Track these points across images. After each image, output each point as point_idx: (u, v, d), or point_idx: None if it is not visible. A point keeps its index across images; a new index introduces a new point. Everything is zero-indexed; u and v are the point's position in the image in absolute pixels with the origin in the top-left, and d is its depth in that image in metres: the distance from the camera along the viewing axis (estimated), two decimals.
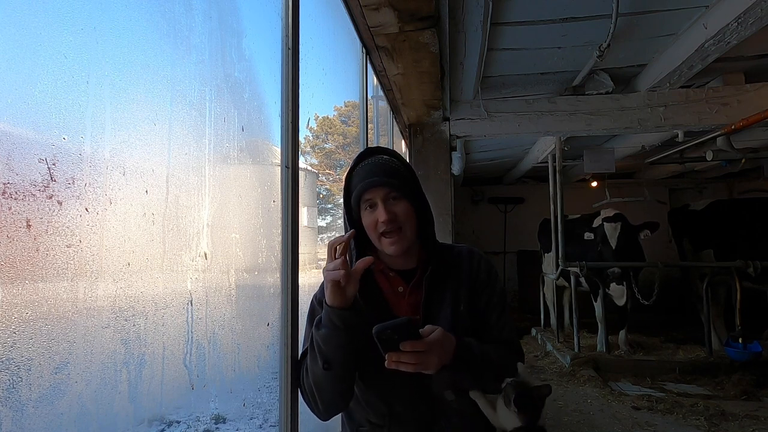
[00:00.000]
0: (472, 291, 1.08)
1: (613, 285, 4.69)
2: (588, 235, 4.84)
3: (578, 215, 5.67)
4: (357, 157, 1.09)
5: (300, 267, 1.34)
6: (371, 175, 1.01)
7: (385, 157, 1.07)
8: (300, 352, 1.11)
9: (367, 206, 1.03)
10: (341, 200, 1.12)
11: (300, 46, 1.39)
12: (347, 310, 0.94)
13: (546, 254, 5.88)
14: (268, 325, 1.21)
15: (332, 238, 0.94)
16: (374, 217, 1.01)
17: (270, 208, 1.26)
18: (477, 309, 1.08)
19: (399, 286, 1.07)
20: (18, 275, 0.54)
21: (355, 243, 1.06)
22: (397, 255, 1.04)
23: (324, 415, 1.05)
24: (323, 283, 1.14)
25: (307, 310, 1.14)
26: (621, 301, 4.73)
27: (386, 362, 0.87)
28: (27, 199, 0.55)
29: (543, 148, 5.33)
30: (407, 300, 1.05)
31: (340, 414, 1.13)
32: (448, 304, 1.05)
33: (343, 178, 1.12)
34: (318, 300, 1.10)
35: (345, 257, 0.93)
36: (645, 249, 4.85)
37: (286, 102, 1.33)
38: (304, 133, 1.63)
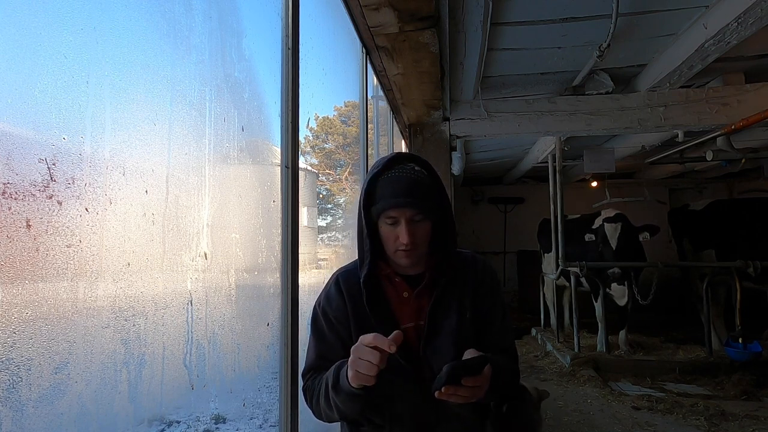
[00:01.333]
0: (477, 298, 1.08)
1: (614, 285, 4.69)
2: (589, 237, 4.82)
3: (578, 215, 5.67)
4: (386, 162, 1.03)
5: (300, 267, 1.34)
6: (399, 194, 0.98)
7: (416, 168, 1.02)
8: (305, 365, 1.10)
9: (389, 221, 1.00)
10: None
11: (300, 46, 1.39)
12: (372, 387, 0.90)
13: (546, 254, 5.88)
14: (268, 325, 1.21)
15: (378, 341, 0.84)
16: (394, 234, 1.00)
17: (270, 208, 1.26)
18: (481, 316, 1.08)
19: (404, 291, 1.06)
20: (18, 275, 0.54)
21: (370, 245, 1.04)
22: (408, 266, 1.04)
23: (330, 424, 1.08)
24: (326, 287, 1.11)
25: (310, 316, 1.13)
26: (622, 301, 4.73)
27: (437, 392, 0.86)
28: (27, 199, 0.55)
29: (543, 148, 5.33)
30: (411, 306, 1.05)
31: None
32: (454, 312, 1.05)
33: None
34: (323, 310, 1.08)
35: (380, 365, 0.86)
36: (644, 249, 4.84)
37: (286, 102, 1.33)
38: (304, 133, 1.63)
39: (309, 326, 1.12)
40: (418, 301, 1.05)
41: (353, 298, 1.05)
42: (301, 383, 1.11)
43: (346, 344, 1.04)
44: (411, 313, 1.05)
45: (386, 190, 1.00)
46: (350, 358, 0.88)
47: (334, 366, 0.97)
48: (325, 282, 1.14)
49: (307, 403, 1.08)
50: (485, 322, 1.09)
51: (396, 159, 1.04)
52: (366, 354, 0.84)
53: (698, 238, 5.02)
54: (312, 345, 1.09)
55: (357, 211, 1.07)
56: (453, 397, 0.86)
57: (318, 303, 1.11)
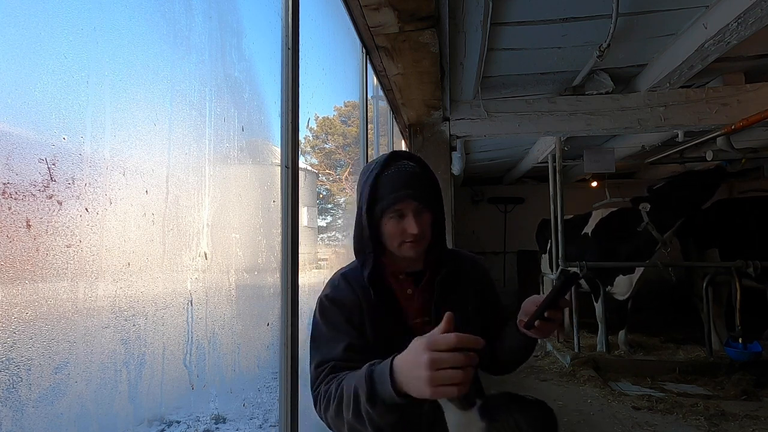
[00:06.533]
0: (477, 291, 1.13)
1: (618, 278, 4.67)
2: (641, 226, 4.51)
3: (571, 215, 5.66)
4: (383, 162, 1.04)
5: (300, 267, 1.34)
6: (403, 188, 1.01)
7: (411, 164, 1.05)
8: (320, 363, 0.97)
9: (394, 215, 1.02)
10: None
11: (300, 46, 1.39)
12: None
13: (544, 255, 5.87)
14: (268, 325, 1.21)
15: (464, 340, 0.71)
16: (401, 227, 1.01)
17: (270, 208, 1.26)
18: (482, 307, 1.13)
19: (408, 288, 1.07)
20: (18, 275, 0.54)
21: (372, 245, 1.04)
22: (415, 258, 1.06)
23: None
24: (331, 283, 1.08)
25: (315, 310, 1.07)
26: (625, 296, 4.72)
27: (530, 331, 1.00)
28: (27, 199, 0.55)
29: (543, 148, 5.33)
30: (416, 302, 1.06)
31: None
32: (459, 306, 1.06)
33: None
34: (330, 299, 1.03)
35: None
36: None
37: (286, 102, 1.33)
38: (304, 133, 1.63)
39: (316, 322, 1.05)
40: (422, 299, 1.06)
41: (364, 292, 1.04)
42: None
43: (362, 336, 1.02)
44: (417, 309, 1.06)
45: (390, 185, 1.02)
46: (423, 373, 0.71)
47: (362, 374, 0.82)
48: (325, 283, 1.12)
49: (318, 410, 0.94)
50: (488, 312, 1.14)
51: (393, 157, 1.07)
52: (450, 360, 0.70)
53: (702, 237, 5.02)
54: (329, 338, 0.99)
55: (356, 213, 1.07)
56: (539, 333, 1.00)
57: (324, 296, 1.06)
